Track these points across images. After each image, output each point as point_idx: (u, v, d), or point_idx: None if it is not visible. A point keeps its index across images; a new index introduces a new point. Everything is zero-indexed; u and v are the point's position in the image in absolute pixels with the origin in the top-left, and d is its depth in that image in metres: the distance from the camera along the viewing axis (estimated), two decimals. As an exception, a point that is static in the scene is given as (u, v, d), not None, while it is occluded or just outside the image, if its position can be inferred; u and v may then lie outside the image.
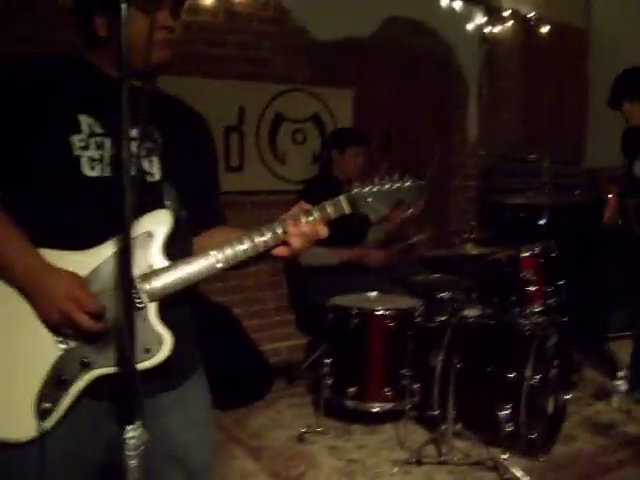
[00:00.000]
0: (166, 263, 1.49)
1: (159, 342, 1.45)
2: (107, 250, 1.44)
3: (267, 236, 1.52)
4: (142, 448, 1.18)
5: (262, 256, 1.56)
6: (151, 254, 1.48)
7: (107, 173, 1.48)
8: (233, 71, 4.43)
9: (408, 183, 1.63)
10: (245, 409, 3.95)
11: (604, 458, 3.44)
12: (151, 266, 1.47)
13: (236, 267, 1.55)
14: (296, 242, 1.53)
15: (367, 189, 1.60)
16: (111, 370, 1.42)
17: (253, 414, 3.92)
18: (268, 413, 3.94)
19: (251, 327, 4.40)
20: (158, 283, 1.46)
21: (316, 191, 4.08)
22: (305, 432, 3.60)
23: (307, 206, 1.57)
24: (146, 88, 1.58)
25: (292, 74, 4.70)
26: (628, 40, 5.90)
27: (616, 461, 3.41)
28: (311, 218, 1.54)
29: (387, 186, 1.61)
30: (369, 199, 1.59)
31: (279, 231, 1.52)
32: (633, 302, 3.82)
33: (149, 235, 1.48)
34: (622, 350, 4.26)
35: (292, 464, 3.34)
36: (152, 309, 1.46)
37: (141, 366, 1.41)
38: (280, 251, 1.55)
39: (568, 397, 3.70)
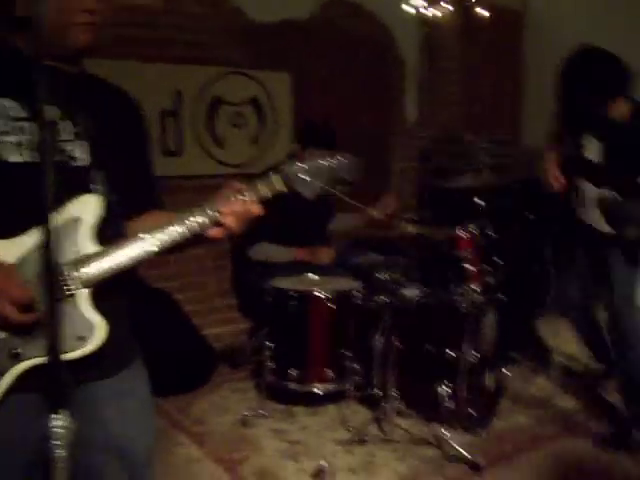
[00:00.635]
0: (97, 248, 1.46)
1: (92, 330, 1.42)
2: (35, 237, 1.40)
3: (200, 217, 1.50)
4: (70, 437, 1.17)
5: (199, 238, 1.54)
6: (80, 240, 1.45)
7: (32, 158, 1.44)
8: (169, 54, 4.36)
9: (341, 159, 1.63)
10: (188, 395, 3.93)
11: (540, 431, 3.54)
12: (81, 252, 1.44)
13: (173, 250, 1.53)
14: (230, 221, 1.51)
15: (300, 165, 1.59)
16: (41, 361, 1.38)
17: (196, 400, 3.90)
18: (211, 398, 3.93)
19: (193, 312, 4.37)
20: (90, 269, 1.43)
21: None
22: (248, 416, 3.60)
23: (239, 185, 1.56)
24: (71, 71, 1.55)
25: (230, 57, 4.66)
26: (563, 22, 6.00)
27: (551, 434, 3.51)
28: (243, 196, 1.53)
29: (320, 162, 1.61)
30: (302, 176, 1.58)
31: (211, 212, 1.51)
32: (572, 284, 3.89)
33: (78, 220, 1.45)
34: (559, 326, 4.34)
35: (236, 448, 3.34)
36: (84, 296, 1.43)
37: (74, 355, 1.39)
38: (215, 232, 1.53)
39: (507, 373, 3.78)
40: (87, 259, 1.44)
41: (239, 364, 4.31)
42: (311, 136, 4.05)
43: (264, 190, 1.55)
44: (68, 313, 1.38)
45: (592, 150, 3.39)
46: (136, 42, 4.18)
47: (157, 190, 1.79)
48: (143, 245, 1.47)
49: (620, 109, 3.26)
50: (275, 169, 1.60)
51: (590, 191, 3.40)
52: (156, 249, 1.47)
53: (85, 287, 1.43)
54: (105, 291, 1.47)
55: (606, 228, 3.36)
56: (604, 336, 3.88)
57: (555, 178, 3.48)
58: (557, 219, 3.79)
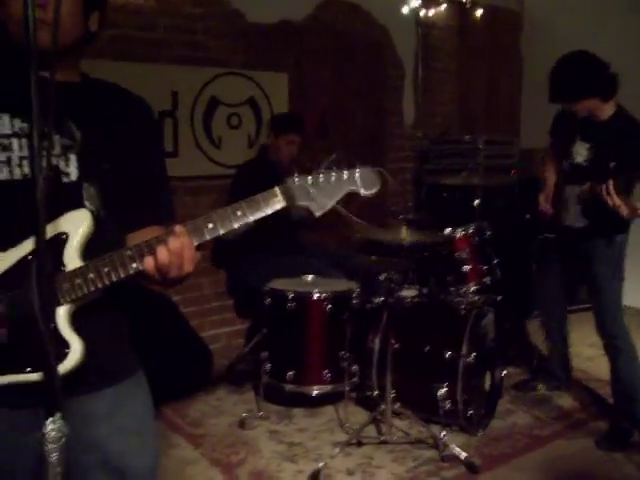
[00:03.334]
0: (80, 264, 1.39)
1: (66, 349, 1.35)
2: (21, 252, 1.38)
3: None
4: (63, 440, 1.15)
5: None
6: (65, 255, 1.39)
7: (17, 176, 1.41)
8: (166, 55, 4.35)
9: (358, 172, 1.41)
10: (185, 397, 3.92)
11: (538, 431, 3.53)
12: (64, 267, 1.38)
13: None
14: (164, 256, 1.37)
15: (310, 179, 1.39)
16: (20, 377, 1.35)
17: (193, 402, 3.89)
18: (208, 400, 3.93)
19: (190, 314, 4.36)
20: (67, 285, 1.36)
21: (249, 174, 4.06)
22: (246, 417, 3.59)
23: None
24: (64, 80, 1.47)
25: (227, 57, 4.65)
26: (560, 21, 6.01)
27: (549, 434, 3.51)
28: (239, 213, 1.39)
29: (334, 176, 1.40)
30: (312, 190, 1.39)
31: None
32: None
33: (64, 235, 1.40)
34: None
35: (233, 450, 3.33)
36: (61, 312, 1.37)
37: (36, 377, 1.34)
38: (147, 263, 1.39)
39: (504, 373, 3.78)
40: (67, 275, 1.38)
41: (236, 365, 4.28)
42: (281, 122, 4.19)
43: (265, 206, 1.39)
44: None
45: (581, 154, 3.43)
46: (133, 43, 4.18)
47: (165, 202, 1.66)
48: (125, 262, 1.37)
49: (599, 107, 3.30)
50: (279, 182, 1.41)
51: (573, 191, 3.45)
52: (138, 265, 1.38)
53: (67, 303, 1.37)
54: (95, 306, 1.42)
55: (583, 222, 3.41)
56: (568, 348, 3.94)
57: (547, 208, 3.70)
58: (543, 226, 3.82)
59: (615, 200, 2.98)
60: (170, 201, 1.68)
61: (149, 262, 1.36)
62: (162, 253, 1.35)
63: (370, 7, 5.43)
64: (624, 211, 2.99)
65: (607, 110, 3.32)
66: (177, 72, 4.40)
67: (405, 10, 5.65)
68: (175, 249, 1.35)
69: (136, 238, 1.53)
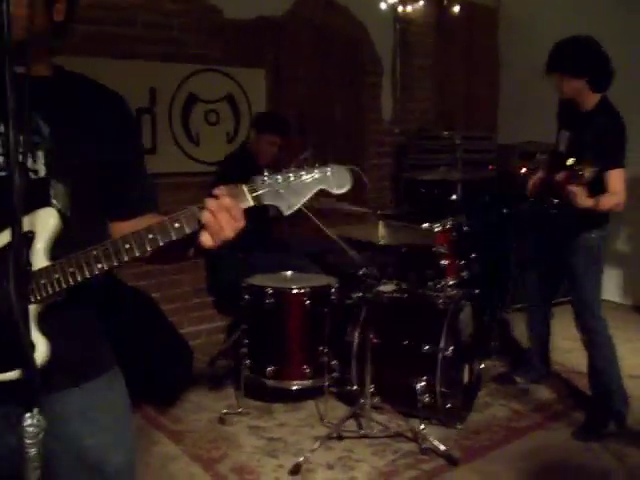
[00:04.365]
0: (49, 264, 1.37)
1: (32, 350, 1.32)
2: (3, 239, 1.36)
3: (179, 222, 1.36)
4: (41, 435, 1.15)
5: (184, 247, 1.44)
6: (33, 255, 1.37)
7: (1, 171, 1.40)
8: (143, 51, 4.34)
9: (330, 170, 1.37)
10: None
11: (516, 423, 3.57)
12: (30, 267, 1.36)
13: (153, 261, 1.48)
14: (215, 220, 1.34)
15: (279, 178, 1.35)
16: None
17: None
18: (189, 396, 3.92)
19: (170, 311, 4.35)
20: (32, 285, 1.34)
21: (231, 168, 4.06)
22: (226, 413, 3.60)
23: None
24: (38, 74, 1.45)
25: (204, 54, 4.64)
26: (536, 18, 6.06)
27: (527, 426, 3.55)
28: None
29: (304, 174, 1.37)
30: (281, 189, 1.35)
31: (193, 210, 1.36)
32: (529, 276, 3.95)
33: (31, 234, 1.37)
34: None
35: (214, 446, 3.34)
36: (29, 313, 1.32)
37: (11, 375, 1.33)
38: (205, 238, 1.37)
39: (483, 366, 3.81)
40: (32, 275, 1.36)
41: (216, 361, 4.28)
42: (266, 121, 4.19)
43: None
44: (8, 330, 1.23)
45: (563, 142, 3.47)
46: (110, 39, 4.16)
47: (148, 194, 1.64)
48: (90, 262, 1.36)
49: (584, 94, 3.32)
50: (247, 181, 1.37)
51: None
52: (103, 266, 1.36)
53: (32, 303, 1.34)
54: (62, 307, 1.40)
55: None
56: (549, 341, 3.99)
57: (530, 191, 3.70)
58: (526, 215, 3.84)
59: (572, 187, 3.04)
60: (154, 194, 1.66)
61: None
62: None
63: (348, 3, 5.45)
64: (578, 197, 3.06)
65: (592, 101, 3.34)
66: (155, 69, 4.39)
67: (383, 6, 5.66)
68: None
69: (129, 227, 1.51)
